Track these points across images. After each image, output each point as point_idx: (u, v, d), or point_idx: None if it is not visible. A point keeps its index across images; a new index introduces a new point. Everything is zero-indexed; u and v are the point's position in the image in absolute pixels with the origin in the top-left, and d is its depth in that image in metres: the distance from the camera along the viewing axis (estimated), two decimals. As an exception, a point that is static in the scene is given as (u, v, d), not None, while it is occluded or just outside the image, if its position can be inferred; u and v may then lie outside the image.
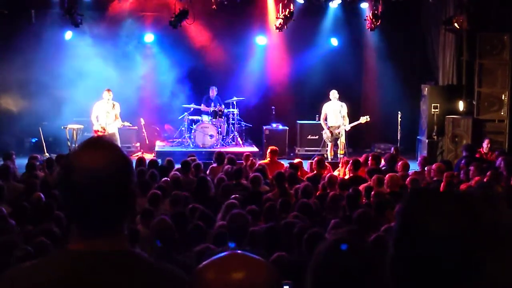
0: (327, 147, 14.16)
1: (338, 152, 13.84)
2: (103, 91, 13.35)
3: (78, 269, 1.78)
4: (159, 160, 11.63)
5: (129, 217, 1.88)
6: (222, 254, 1.64)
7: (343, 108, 13.85)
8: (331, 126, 13.86)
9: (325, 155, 13.79)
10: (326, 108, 13.91)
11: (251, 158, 11.59)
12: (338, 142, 13.90)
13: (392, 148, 12.17)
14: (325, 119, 13.94)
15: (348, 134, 14.22)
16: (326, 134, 13.97)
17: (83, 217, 1.83)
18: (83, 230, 1.84)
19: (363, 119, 13.79)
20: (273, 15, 15.80)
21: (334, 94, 13.88)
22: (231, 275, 1.57)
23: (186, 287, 1.83)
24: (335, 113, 13.83)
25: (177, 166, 10.48)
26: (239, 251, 1.66)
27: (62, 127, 13.98)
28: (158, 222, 5.46)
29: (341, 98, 13.97)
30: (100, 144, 1.86)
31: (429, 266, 1.50)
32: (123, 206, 1.85)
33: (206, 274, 1.61)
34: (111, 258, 1.81)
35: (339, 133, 13.82)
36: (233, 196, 7.88)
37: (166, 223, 5.39)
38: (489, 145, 12.59)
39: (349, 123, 13.89)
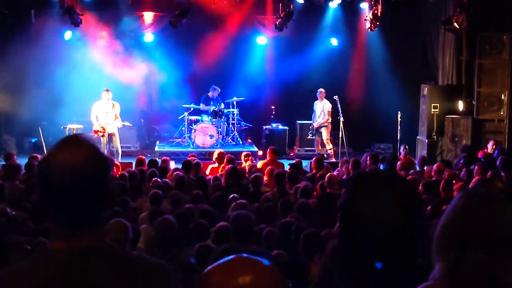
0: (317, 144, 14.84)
1: (327, 148, 14.44)
2: (102, 91, 13.36)
3: (60, 269, 1.79)
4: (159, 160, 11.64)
5: (106, 212, 1.89)
6: (228, 258, 1.61)
7: (325, 106, 14.35)
8: (315, 123, 14.52)
9: (325, 155, 13.87)
10: (315, 107, 14.60)
11: (250, 158, 11.61)
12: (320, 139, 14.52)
13: (402, 148, 12.17)
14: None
15: (348, 133, 14.24)
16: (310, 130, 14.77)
17: (63, 215, 1.83)
18: (63, 227, 1.84)
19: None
20: (273, 15, 15.81)
21: (320, 93, 14.51)
22: (237, 279, 1.55)
23: (170, 279, 1.86)
24: (319, 111, 14.44)
25: (174, 165, 10.48)
26: (244, 255, 1.63)
27: (62, 127, 13.98)
28: (162, 221, 5.47)
29: (340, 98, 14.10)
30: (77, 142, 1.86)
31: (365, 244, 1.56)
32: (101, 202, 1.86)
33: (211, 279, 1.58)
34: (93, 254, 1.82)
35: (319, 130, 14.45)
36: (231, 196, 7.87)
37: (170, 222, 5.40)
38: (494, 146, 12.61)
39: (344, 120, 14.13)
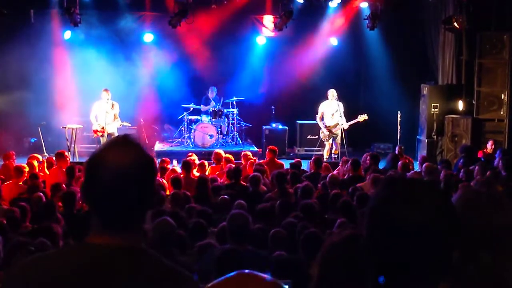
0: (324, 146, 14.16)
1: (332, 152, 13.90)
2: (101, 91, 13.34)
3: (93, 262, 1.81)
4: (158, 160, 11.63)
5: (147, 216, 1.90)
6: (229, 274, 1.57)
7: (339, 107, 13.83)
8: (328, 126, 13.85)
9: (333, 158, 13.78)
10: (323, 107, 13.89)
11: (249, 158, 11.60)
12: (334, 142, 13.93)
13: (397, 148, 12.15)
14: (322, 119, 13.93)
15: (348, 133, 14.21)
16: (323, 133, 13.96)
17: (104, 211, 1.85)
18: (103, 225, 1.86)
19: (361, 118, 13.76)
20: (273, 15, 15.81)
21: (332, 93, 13.84)
22: None
23: None
24: (332, 113, 13.82)
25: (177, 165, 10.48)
26: (246, 271, 1.57)
27: (62, 127, 13.96)
28: (160, 222, 5.45)
29: (340, 98, 13.93)
30: (127, 142, 1.89)
31: (400, 254, 1.49)
32: (144, 204, 1.88)
33: None
34: (127, 255, 1.83)
35: (335, 132, 13.83)
36: (221, 197, 7.82)
37: (168, 223, 5.39)
38: (493, 146, 12.60)
39: (347, 121, 13.86)
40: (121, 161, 1.82)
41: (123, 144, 1.87)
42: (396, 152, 11.90)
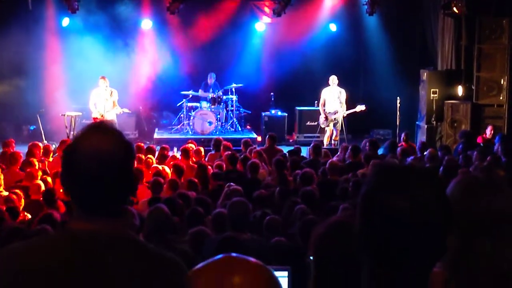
0: (325, 133, 14.13)
1: (332, 138, 13.87)
2: (99, 79, 13.29)
3: (76, 249, 1.80)
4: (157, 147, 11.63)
5: (129, 201, 1.90)
6: (216, 257, 1.53)
7: (341, 94, 13.77)
8: (329, 112, 13.82)
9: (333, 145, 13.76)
10: (325, 94, 13.86)
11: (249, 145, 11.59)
12: (334, 128, 13.89)
13: (402, 134, 12.17)
14: (324, 105, 13.89)
15: (347, 120, 14.19)
16: (321, 118, 13.94)
17: (85, 199, 1.85)
18: (85, 211, 1.86)
19: (359, 108, 13.75)
20: (271, 0, 15.73)
21: (333, 79, 13.80)
22: (224, 280, 1.45)
23: (184, 274, 1.83)
24: (333, 99, 13.78)
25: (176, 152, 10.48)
26: (234, 254, 1.53)
27: (61, 115, 13.94)
28: (153, 210, 5.42)
29: (340, 84, 13.90)
30: (103, 128, 1.88)
31: (392, 241, 1.47)
32: (124, 189, 1.88)
33: (198, 280, 1.48)
34: (111, 240, 1.83)
35: (335, 119, 13.80)
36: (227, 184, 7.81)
37: (161, 210, 5.37)
38: (492, 132, 12.59)
39: (347, 109, 13.84)
40: (98, 147, 1.81)
41: (99, 131, 1.87)
42: (402, 138, 11.90)
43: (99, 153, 1.80)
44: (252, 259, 1.51)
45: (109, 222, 1.84)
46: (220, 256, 1.51)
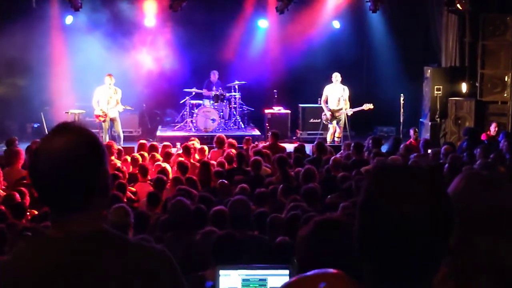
0: (328, 130, 14.10)
1: (336, 135, 13.83)
2: (105, 76, 13.30)
3: (59, 258, 1.80)
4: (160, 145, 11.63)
5: (103, 196, 1.88)
6: (311, 272, 1.57)
7: (345, 91, 13.74)
8: (332, 109, 13.78)
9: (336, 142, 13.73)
10: (328, 91, 13.82)
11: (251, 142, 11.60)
12: (337, 126, 13.85)
13: (411, 131, 12.18)
14: (326, 102, 13.85)
15: (351, 117, 14.17)
16: (325, 116, 13.90)
17: (51, 201, 1.86)
18: (55, 213, 1.87)
19: (366, 106, 13.71)
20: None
21: (336, 77, 13.77)
22: None
23: (171, 263, 1.86)
24: (336, 96, 13.74)
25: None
26: (330, 270, 1.58)
27: (65, 112, 13.96)
28: (175, 203, 5.46)
29: (343, 81, 13.87)
30: (65, 129, 1.87)
31: (396, 249, 1.44)
32: (94, 186, 1.85)
33: None
34: (89, 240, 1.83)
35: (338, 116, 13.76)
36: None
37: (184, 204, 5.40)
38: (496, 129, 12.57)
39: (351, 107, 13.80)
40: (57, 148, 1.81)
41: (60, 131, 1.86)
42: (411, 134, 11.93)
43: (57, 153, 1.81)
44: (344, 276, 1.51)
45: (77, 221, 1.83)
46: (315, 271, 1.54)
